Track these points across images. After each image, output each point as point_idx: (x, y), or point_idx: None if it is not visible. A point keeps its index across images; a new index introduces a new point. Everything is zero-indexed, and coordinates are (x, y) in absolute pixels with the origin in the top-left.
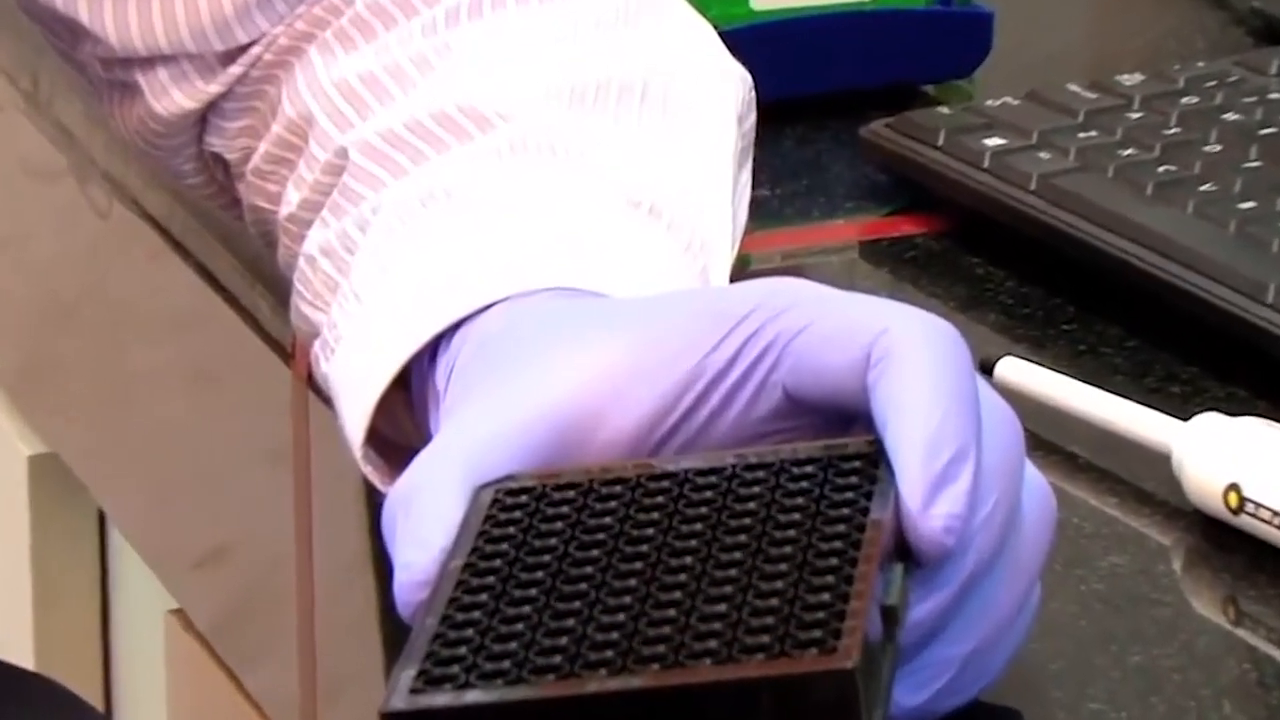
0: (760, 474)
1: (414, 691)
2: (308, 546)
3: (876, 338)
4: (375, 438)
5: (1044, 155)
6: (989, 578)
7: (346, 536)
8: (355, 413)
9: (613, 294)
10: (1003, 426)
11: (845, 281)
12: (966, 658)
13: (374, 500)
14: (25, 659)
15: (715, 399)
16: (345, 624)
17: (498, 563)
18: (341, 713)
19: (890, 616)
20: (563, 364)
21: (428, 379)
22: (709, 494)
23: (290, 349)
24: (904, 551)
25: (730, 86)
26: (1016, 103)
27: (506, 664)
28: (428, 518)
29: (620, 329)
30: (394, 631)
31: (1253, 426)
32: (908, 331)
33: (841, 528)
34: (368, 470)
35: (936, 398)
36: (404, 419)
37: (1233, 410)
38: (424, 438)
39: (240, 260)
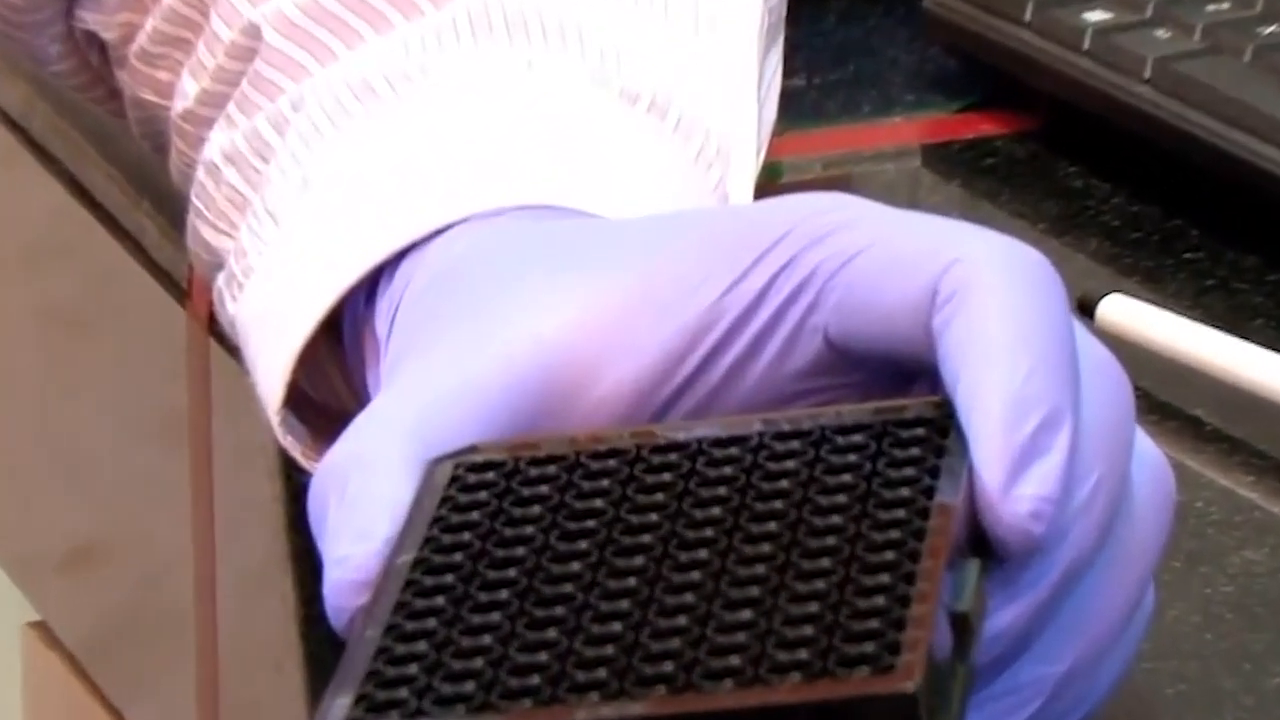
0: (795, 444)
1: None
2: (209, 541)
3: (945, 269)
4: (297, 399)
5: (1161, 33)
6: (1089, 578)
7: (259, 528)
8: (271, 367)
9: (605, 214)
10: (1107, 384)
11: (905, 196)
12: (1060, 680)
13: (295, 480)
14: None
15: (737, 348)
16: (257, 639)
17: (458, 557)
18: None
19: (963, 626)
20: (541, 302)
21: (365, 323)
22: (729, 470)
23: (186, 284)
24: (980, 544)
25: None
26: None
27: (470, 686)
28: (367, 500)
29: (615, 258)
30: (322, 648)
31: None
32: (985, 261)
33: (899, 514)
34: (287, 442)
35: (1022, 346)
36: (334, 375)
37: None
38: (360, 399)
39: (120, 169)
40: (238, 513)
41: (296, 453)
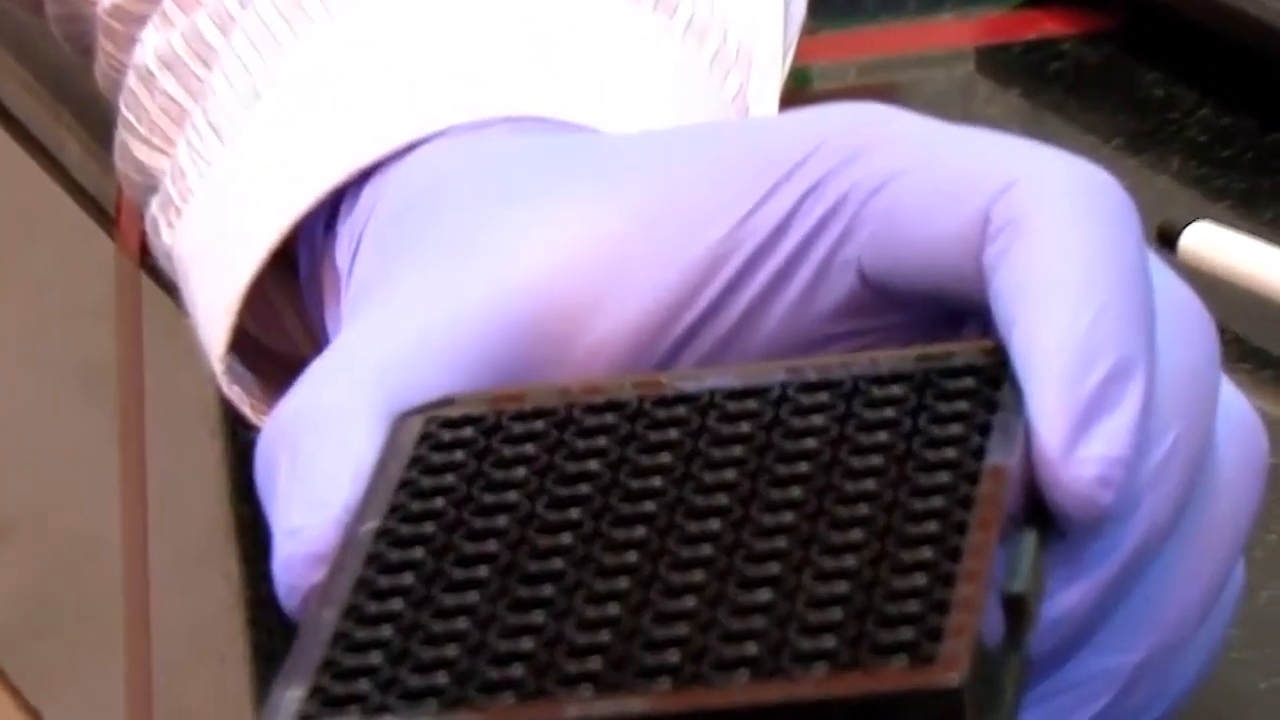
0: (822, 396)
1: (305, 718)
2: (140, 512)
3: (999, 194)
4: (244, 344)
5: None
6: (1165, 553)
7: (198, 495)
8: (213, 306)
9: (603, 128)
10: (1188, 327)
11: (955, 108)
12: (1133, 672)
13: (241, 439)
14: None
15: (756, 285)
16: (196, 625)
17: (429, 527)
18: None
19: (1017, 610)
20: (527, 232)
21: (323, 254)
22: (746, 427)
23: (114, 210)
24: (1038, 515)
25: None
26: None
27: (442, 678)
28: (324, 461)
29: (616, 180)
30: (271, 635)
31: None
32: (1047, 184)
33: (944, 478)
34: (233, 393)
35: (1089, 284)
36: (287, 315)
37: None
38: (317, 342)
39: (36, 74)
40: (174, 477)
41: (243, 406)
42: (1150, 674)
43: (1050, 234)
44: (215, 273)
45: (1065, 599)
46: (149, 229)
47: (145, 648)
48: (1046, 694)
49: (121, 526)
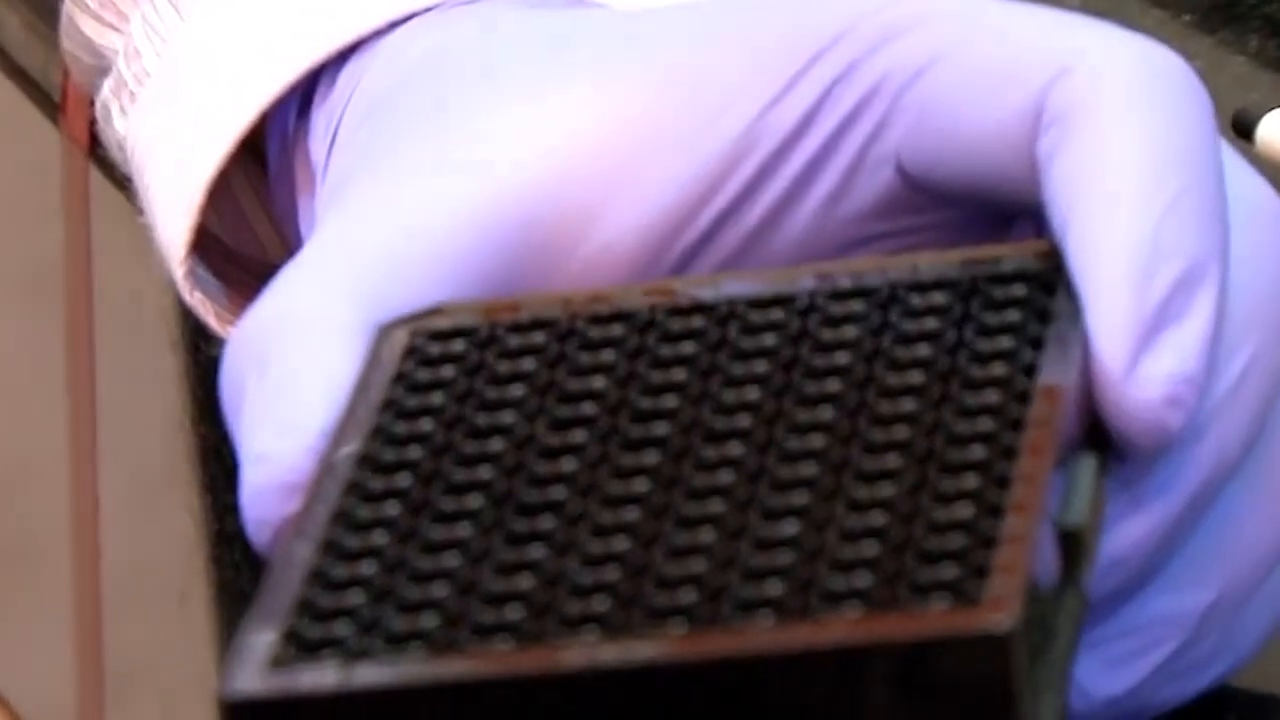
0: (855, 306)
1: (276, 664)
2: (89, 434)
3: (1053, 81)
4: (207, 245)
5: None
6: (1239, 483)
7: (155, 416)
8: (173, 203)
9: (608, 2)
10: (1265, 230)
11: None
12: (1201, 617)
13: (205, 353)
14: None
15: (781, 182)
16: (153, 564)
17: (415, 452)
18: (143, 712)
19: (1073, 545)
20: (524, 121)
21: (296, 144)
22: (769, 339)
23: (59, 95)
24: (1097, 438)
25: None
26: None
27: (430, 620)
28: (297, 378)
29: (621, 64)
30: (238, 573)
31: None
32: (1106, 68)
33: (991, 397)
34: (194, 300)
35: (1154, 181)
36: (256, 213)
37: None
38: (289, 244)
39: None
40: (127, 395)
41: (206, 315)
42: (1219, 619)
43: (1111, 124)
44: (174, 165)
45: (1126, 532)
46: (99, 116)
47: (95, 586)
48: (1104, 639)
49: (68, 450)
